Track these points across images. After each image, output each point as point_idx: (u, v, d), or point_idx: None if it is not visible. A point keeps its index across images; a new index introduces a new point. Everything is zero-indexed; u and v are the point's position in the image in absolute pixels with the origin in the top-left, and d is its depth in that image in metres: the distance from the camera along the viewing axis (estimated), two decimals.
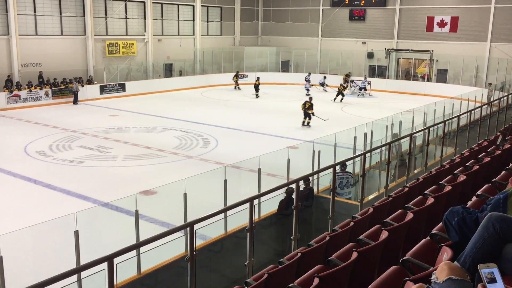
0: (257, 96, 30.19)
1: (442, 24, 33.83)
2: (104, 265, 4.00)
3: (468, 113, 13.96)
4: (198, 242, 7.02)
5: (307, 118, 21.71)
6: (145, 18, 33.44)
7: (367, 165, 9.30)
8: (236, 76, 33.26)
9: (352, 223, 5.07)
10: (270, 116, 24.33)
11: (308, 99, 22.32)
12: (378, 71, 35.92)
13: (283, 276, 4.18)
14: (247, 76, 36.51)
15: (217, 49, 37.80)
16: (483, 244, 2.49)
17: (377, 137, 14.25)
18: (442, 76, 33.89)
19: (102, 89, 28.85)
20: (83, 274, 4.67)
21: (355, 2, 37.17)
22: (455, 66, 32.88)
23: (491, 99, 25.75)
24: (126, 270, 6.50)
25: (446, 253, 2.83)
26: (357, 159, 10.62)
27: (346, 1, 37.39)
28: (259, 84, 30.64)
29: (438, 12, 33.91)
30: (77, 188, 13.15)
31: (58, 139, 18.58)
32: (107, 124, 21.66)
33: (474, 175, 5.90)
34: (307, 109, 21.70)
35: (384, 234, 4.01)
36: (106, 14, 31.23)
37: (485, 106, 15.56)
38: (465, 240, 2.70)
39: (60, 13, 28.79)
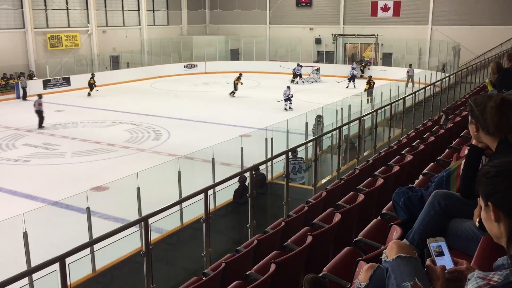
0: (88, 94, 26.80)
1: (385, 8, 34.64)
2: (56, 266, 3.90)
3: (413, 95, 14.42)
4: (154, 236, 6.94)
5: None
6: (87, 9, 32.30)
7: (319, 150, 9.45)
8: (92, 77, 27.42)
9: (306, 208, 5.15)
10: (221, 105, 24.21)
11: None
12: (326, 57, 36.41)
13: (240, 264, 4.21)
14: (196, 66, 36.11)
15: (164, 39, 37.09)
16: (430, 221, 2.60)
17: (328, 122, 14.51)
18: (387, 59, 34.81)
19: (46, 84, 27.73)
20: (35, 276, 4.54)
21: None
22: (399, 49, 33.85)
23: (412, 80, 26.67)
24: (80, 269, 6.35)
25: (395, 231, 2.93)
26: (309, 144, 10.80)
27: None
28: (93, 82, 27.10)
29: None
30: (24, 188, 12.66)
31: (1, 138, 17.76)
32: (53, 120, 20.86)
33: (420, 155, 6.12)
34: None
35: (337, 217, 4.11)
36: (45, 6, 29.92)
37: (429, 87, 16.12)
38: (412, 218, 2.81)
39: None
